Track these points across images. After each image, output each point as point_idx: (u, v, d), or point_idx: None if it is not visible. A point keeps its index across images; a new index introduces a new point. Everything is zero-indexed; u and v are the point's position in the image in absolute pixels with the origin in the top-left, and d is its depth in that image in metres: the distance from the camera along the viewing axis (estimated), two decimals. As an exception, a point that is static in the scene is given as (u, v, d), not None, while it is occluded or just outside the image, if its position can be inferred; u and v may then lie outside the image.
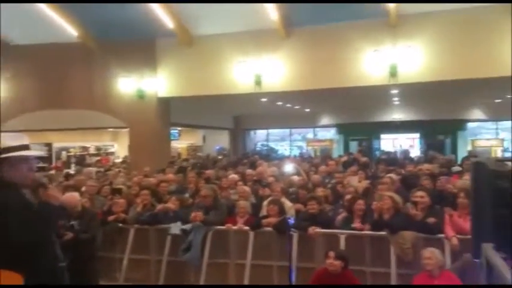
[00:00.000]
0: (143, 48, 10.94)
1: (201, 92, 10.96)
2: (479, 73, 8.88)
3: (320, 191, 6.46)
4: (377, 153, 18.37)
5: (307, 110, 18.68)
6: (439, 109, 17.26)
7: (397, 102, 16.64)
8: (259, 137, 24.25)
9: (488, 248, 2.21)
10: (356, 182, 6.62)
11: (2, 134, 2.61)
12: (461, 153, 16.68)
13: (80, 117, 11.38)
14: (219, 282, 5.53)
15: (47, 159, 13.91)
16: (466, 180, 5.56)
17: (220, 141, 21.68)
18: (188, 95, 11.15)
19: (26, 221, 2.36)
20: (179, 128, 18.32)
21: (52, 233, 2.64)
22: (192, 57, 10.72)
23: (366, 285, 4.77)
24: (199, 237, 5.56)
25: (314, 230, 5.19)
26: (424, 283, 4.06)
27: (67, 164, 14.99)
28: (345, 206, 5.71)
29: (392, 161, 10.74)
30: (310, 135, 22.95)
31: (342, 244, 5.05)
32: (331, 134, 22.09)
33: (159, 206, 5.95)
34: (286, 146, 23.90)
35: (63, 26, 10.22)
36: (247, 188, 6.50)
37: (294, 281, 4.65)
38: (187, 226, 5.65)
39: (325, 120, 20.26)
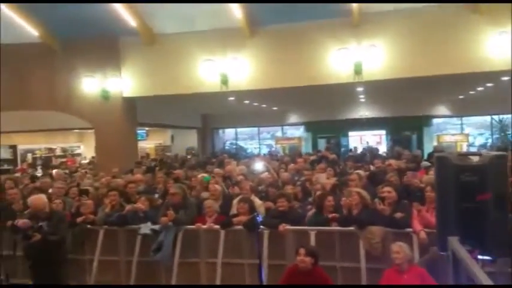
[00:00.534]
0: (106, 47, 10.68)
1: (166, 91, 10.82)
2: (441, 70, 9.21)
3: (289, 189, 6.52)
4: (344, 150, 18.75)
5: (275, 108, 18.83)
6: (405, 106, 17.80)
7: (363, 100, 17.05)
8: (228, 135, 24.19)
9: (453, 241, 2.28)
10: (324, 179, 6.71)
11: None
12: (428, 148, 17.26)
13: (45, 118, 11.04)
14: (190, 281, 5.48)
15: (12, 161, 13.40)
16: (432, 175, 5.74)
17: (188, 141, 21.46)
18: (154, 95, 10.97)
19: None
20: (147, 128, 18.01)
21: None
22: (157, 56, 10.57)
23: (337, 286, 4.83)
24: (170, 236, 5.49)
25: (284, 227, 5.23)
26: (393, 277, 4.16)
27: (33, 166, 14.45)
28: (314, 203, 5.78)
29: (361, 157, 10.97)
30: (279, 134, 23.12)
31: (313, 240, 5.10)
32: (300, 132, 22.33)
33: (128, 207, 5.85)
34: (256, 144, 23.97)
35: (23, 25, 9.82)
36: (218, 187, 6.45)
37: (264, 279, 4.67)
38: (157, 226, 5.57)
39: (293, 118, 20.48)
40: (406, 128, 19.84)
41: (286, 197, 5.54)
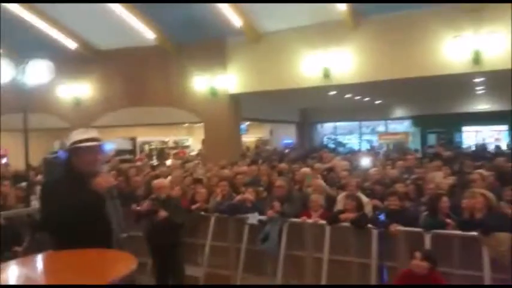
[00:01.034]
0: (214, 48, 11.36)
1: (269, 87, 11.10)
2: None
3: (400, 187, 6.21)
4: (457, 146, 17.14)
5: (378, 101, 18.01)
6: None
7: (480, 92, 15.40)
8: (326, 130, 23.86)
9: None
10: (441, 178, 6.23)
11: (75, 131, 2.89)
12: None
13: (160, 113, 12.11)
14: (295, 274, 5.54)
15: (131, 152, 15.11)
16: None
17: (287, 135, 21.69)
18: (257, 91, 11.34)
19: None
20: (247, 123, 18.63)
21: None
22: (260, 54, 10.90)
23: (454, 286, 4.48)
24: (275, 228, 5.61)
25: (396, 227, 4.99)
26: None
27: (149, 156, 16.07)
28: (427, 203, 5.43)
29: (480, 155, 9.97)
30: (380, 128, 22.11)
31: (427, 243, 4.79)
32: (403, 126, 21.07)
33: (238, 197, 6.12)
34: (354, 139, 23.26)
35: (142, 29, 10.90)
36: (322, 182, 6.42)
37: (386, 279, 4.50)
38: (264, 217, 5.73)
39: (398, 112, 19.36)
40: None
41: (398, 196, 5.28)
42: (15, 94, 6.89)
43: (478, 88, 14.24)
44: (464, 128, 19.14)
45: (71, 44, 11.70)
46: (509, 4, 8.33)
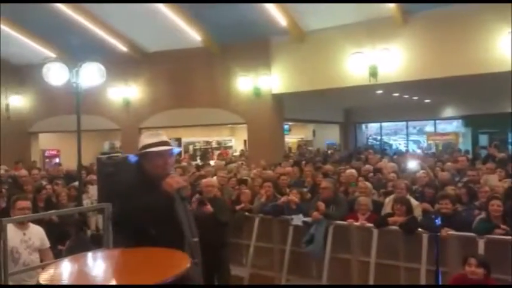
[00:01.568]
0: (258, 48, 11.37)
1: (314, 87, 10.95)
2: None
3: (451, 189, 5.95)
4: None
5: (427, 100, 17.32)
6: None
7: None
8: (371, 130, 23.28)
9: None
10: (496, 181, 5.90)
11: (144, 132, 2.91)
12: None
13: (204, 114, 12.32)
14: (341, 277, 5.47)
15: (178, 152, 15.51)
16: None
17: (330, 136, 21.38)
18: (301, 90, 11.24)
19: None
20: (290, 123, 18.56)
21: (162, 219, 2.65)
22: (305, 53, 10.78)
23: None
24: (321, 230, 5.55)
25: (447, 232, 4.79)
26: None
27: (193, 157, 16.42)
28: (481, 207, 5.17)
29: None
30: (428, 128, 21.24)
31: (481, 249, 4.57)
32: (452, 126, 20.12)
33: (283, 198, 6.12)
34: (400, 140, 22.51)
35: (188, 31, 11.12)
36: (368, 184, 6.29)
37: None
38: (309, 219, 5.69)
39: (448, 111, 18.48)
40: None
41: (451, 199, 5.06)
42: (68, 96, 7.22)
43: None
44: (519, 129, 17.97)
45: (122, 47, 12.14)
46: None
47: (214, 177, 6.96)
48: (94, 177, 7.19)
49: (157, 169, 2.73)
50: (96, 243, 5.42)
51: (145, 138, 2.81)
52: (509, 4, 8.22)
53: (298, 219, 5.80)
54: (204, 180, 5.54)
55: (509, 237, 4.47)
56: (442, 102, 18.24)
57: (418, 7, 9.15)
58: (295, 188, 6.49)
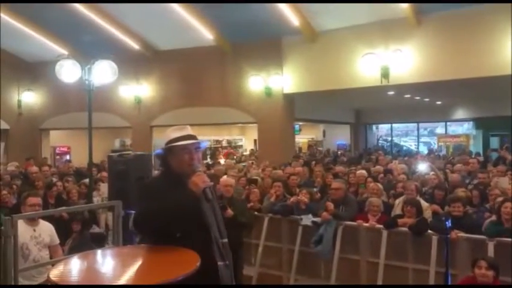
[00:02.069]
0: (270, 48, 11.36)
1: (325, 87, 10.93)
2: None
3: (461, 191, 5.92)
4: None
5: (439, 102, 17.17)
6: None
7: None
8: (381, 131, 23.14)
9: None
10: (507, 183, 5.85)
11: (170, 127, 2.80)
12: None
13: (215, 113, 12.34)
14: (349, 278, 5.47)
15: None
16: None
17: (340, 136, 21.30)
18: (312, 90, 11.23)
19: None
20: (300, 123, 18.53)
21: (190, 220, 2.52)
22: (317, 53, 10.75)
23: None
24: (330, 230, 5.56)
25: (457, 234, 4.76)
26: None
27: (203, 156, 16.44)
28: (492, 210, 5.14)
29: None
30: (439, 130, 21.04)
31: (491, 252, 4.54)
32: (463, 128, 19.92)
33: (292, 198, 6.14)
34: (411, 141, 22.34)
35: (200, 30, 11.15)
36: (379, 185, 6.27)
37: None
38: (318, 219, 5.69)
39: (459, 113, 18.31)
40: None
41: (462, 202, 5.03)
42: (80, 93, 7.27)
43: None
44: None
45: (134, 45, 12.21)
46: None
47: (225, 176, 6.96)
48: (105, 174, 7.23)
49: (183, 165, 2.59)
50: (95, 241, 5.50)
51: (171, 133, 2.69)
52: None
53: (307, 219, 5.80)
54: (222, 180, 5.49)
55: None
56: (453, 104, 18.06)
57: (431, 8, 9.07)
58: (305, 188, 6.48)
